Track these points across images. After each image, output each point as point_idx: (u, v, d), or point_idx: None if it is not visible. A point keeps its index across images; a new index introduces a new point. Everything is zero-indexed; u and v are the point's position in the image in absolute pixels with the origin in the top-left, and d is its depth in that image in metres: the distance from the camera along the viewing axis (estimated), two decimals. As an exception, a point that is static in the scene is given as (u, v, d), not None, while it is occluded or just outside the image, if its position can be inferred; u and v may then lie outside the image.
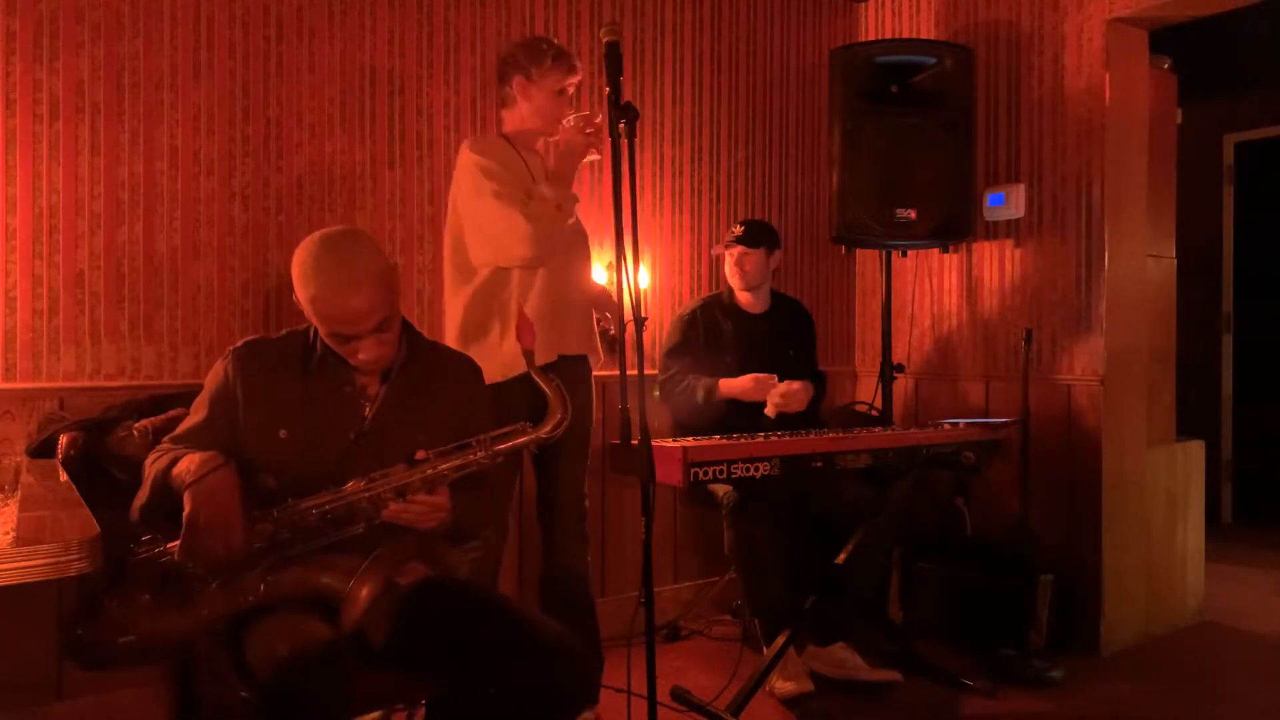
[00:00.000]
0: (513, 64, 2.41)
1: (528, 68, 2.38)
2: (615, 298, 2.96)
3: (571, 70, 2.41)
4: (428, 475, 1.62)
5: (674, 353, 3.04)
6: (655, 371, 3.13)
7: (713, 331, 3.05)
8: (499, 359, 2.29)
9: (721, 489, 2.80)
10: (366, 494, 1.59)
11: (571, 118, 2.32)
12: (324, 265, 1.63)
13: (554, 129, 2.36)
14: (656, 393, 3.07)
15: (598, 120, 2.28)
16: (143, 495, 1.57)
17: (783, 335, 3.12)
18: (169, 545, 1.50)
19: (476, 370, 1.92)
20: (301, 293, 1.65)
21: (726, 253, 3.09)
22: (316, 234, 1.68)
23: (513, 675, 1.55)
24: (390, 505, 1.60)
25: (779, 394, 2.87)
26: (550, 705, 1.56)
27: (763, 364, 2.96)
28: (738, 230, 3.06)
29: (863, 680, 2.73)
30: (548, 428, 1.71)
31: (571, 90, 2.44)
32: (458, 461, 1.65)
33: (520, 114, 2.43)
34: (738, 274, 3.07)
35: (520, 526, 2.89)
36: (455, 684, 1.59)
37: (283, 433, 1.65)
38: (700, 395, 2.92)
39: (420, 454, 1.64)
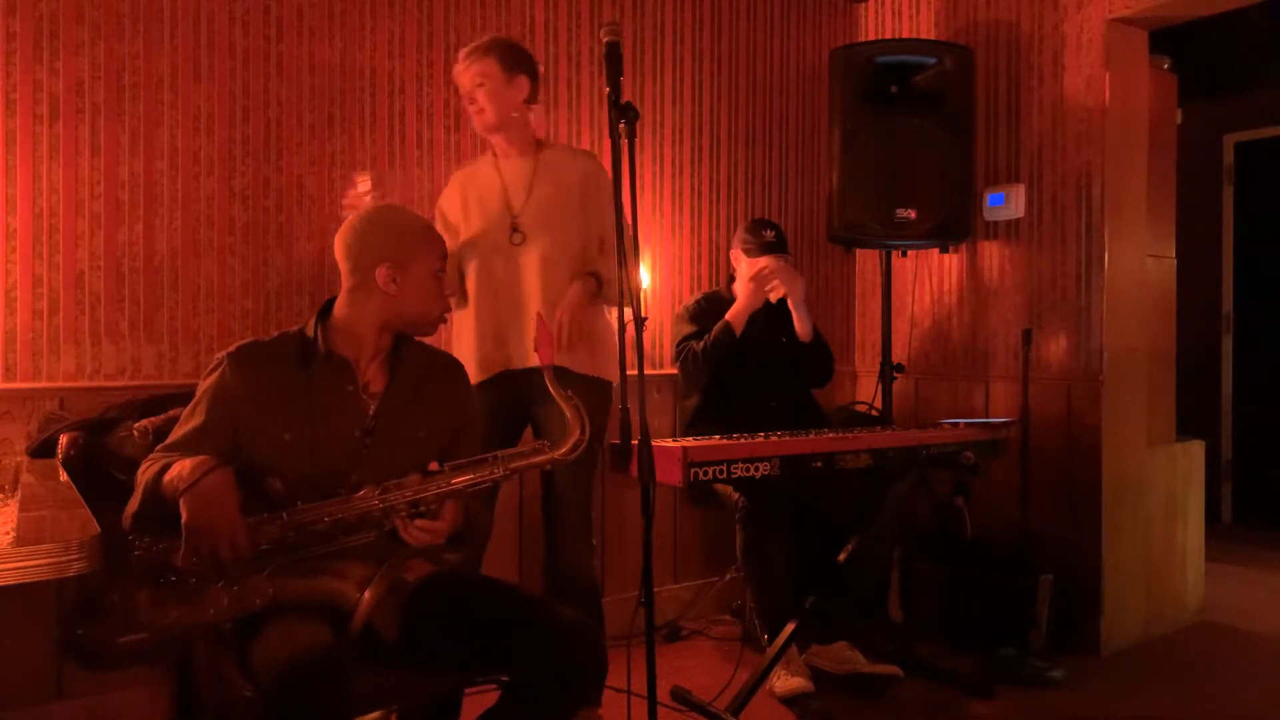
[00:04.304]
0: (536, 67, 2.47)
1: (537, 73, 2.48)
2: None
3: None
4: (443, 490, 1.62)
5: (687, 337, 3.02)
6: (655, 372, 3.13)
7: (718, 316, 3.04)
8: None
9: (733, 491, 2.81)
10: (380, 505, 1.59)
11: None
12: (399, 210, 1.81)
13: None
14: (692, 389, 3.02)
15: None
16: (134, 503, 1.56)
17: (777, 324, 3.11)
18: (170, 543, 1.49)
19: (462, 368, 1.93)
20: (409, 232, 1.74)
21: (751, 259, 3.03)
22: (361, 213, 1.79)
23: (529, 657, 1.56)
24: (399, 524, 1.61)
25: (768, 268, 2.96)
26: (568, 683, 1.57)
27: (760, 349, 2.98)
28: (769, 236, 3.02)
29: (864, 673, 2.73)
30: (565, 448, 1.69)
31: None
32: (472, 477, 1.64)
33: (538, 116, 2.51)
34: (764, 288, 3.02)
35: (521, 527, 2.89)
36: (471, 673, 1.59)
37: (287, 435, 1.64)
38: (713, 338, 2.92)
39: (433, 465, 1.65)
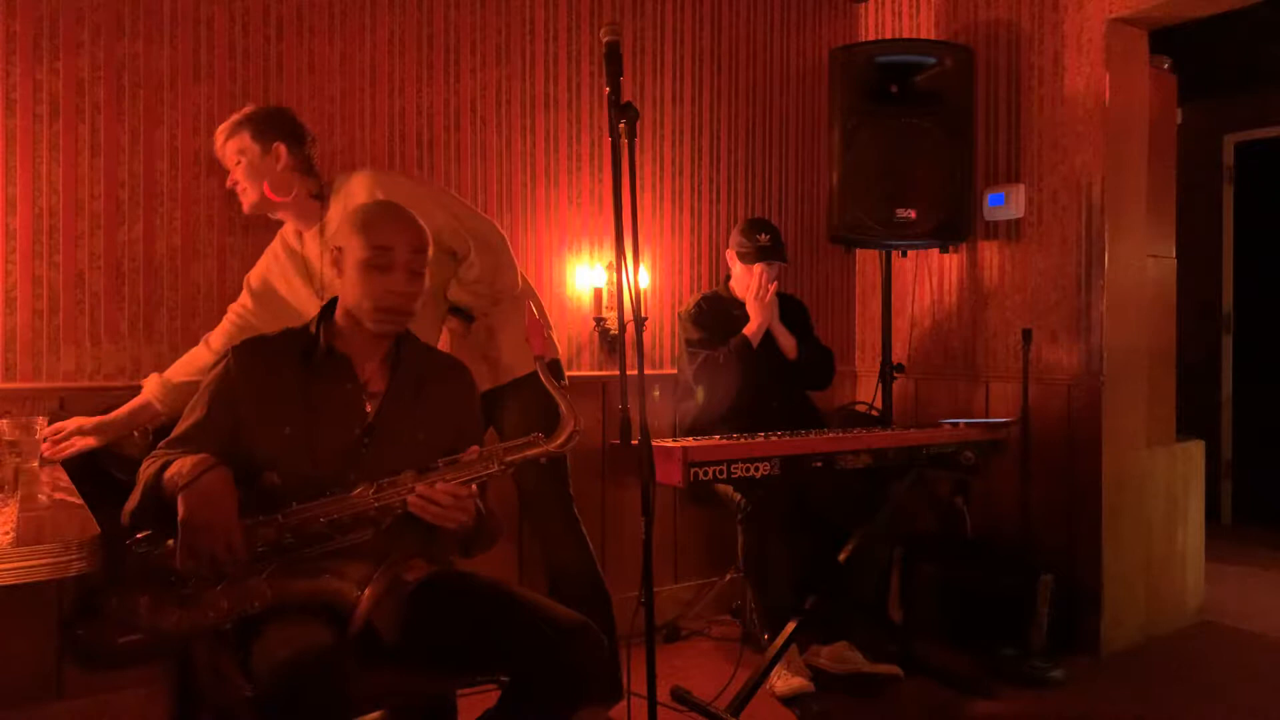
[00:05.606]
0: (299, 130, 2.23)
1: (301, 135, 2.24)
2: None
3: None
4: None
5: (698, 343, 3.00)
6: (655, 372, 3.12)
7: (723, 318, 3.04)
8: None
9: (734, 491, 2.81)
10: (375, 504, 1.59)
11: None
12: (378, 201, 1.83)
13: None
14: (699, 393, 3.00)
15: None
16: (133, 500, 1.57)
17: (780, 318, 3.11)
18: (168, 542, 1.49)
19: (467, 370, 1.92)
20: (354, 217, 1.73)
21: (746, 265, 3.02)
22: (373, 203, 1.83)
23: (529, 657, 1.56)
24: (414, 495, 1.58)
25: (761, 287, 2.97)
26: (569, 683, 1.57)
27: (764, 345, 2.98)
28: (764, 240, 2.99)
29: (864, 673, 2.73)
30: (560, 439, 1.69)
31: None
32: (468, 473, 1.64)
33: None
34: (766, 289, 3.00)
35: (521, 527, 2.89)
36: (471, 673, 1.60)
37: (287, 430, 1.64)
38: (735, 353, 2.91)
39: (474, 449, 1.65)
